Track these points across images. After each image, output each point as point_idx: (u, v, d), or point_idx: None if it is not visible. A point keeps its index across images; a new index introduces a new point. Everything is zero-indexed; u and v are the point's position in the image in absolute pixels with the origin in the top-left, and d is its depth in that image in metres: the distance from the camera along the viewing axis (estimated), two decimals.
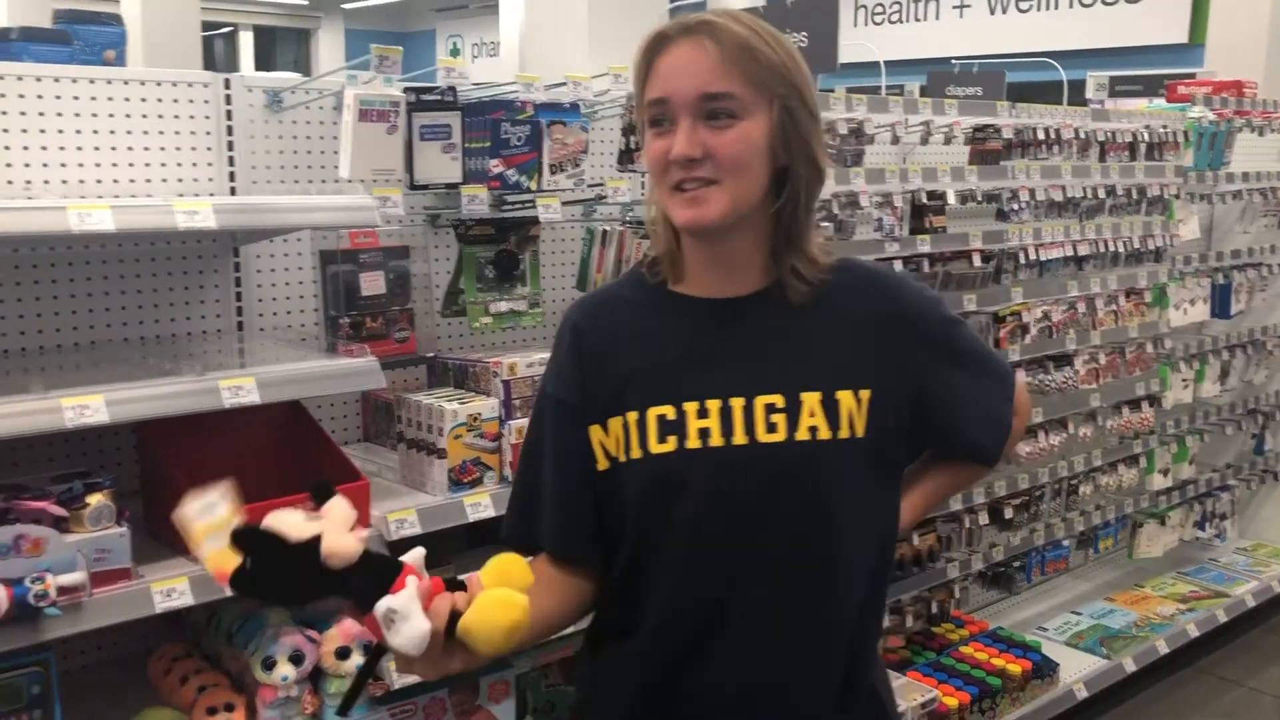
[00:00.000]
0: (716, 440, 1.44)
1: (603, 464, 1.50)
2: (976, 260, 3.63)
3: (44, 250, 2.35)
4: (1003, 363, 1.68)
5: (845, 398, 1.46)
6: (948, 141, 3.90)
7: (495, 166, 2.59)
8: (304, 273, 2.68)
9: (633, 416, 1.47)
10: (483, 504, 2.42)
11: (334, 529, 1.27)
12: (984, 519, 3.88)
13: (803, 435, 1.44)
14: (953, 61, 6.59)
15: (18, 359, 2.30)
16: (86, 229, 1.86)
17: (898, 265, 3.37)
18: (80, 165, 2.38)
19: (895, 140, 3.65)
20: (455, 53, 17.91)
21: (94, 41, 2.92)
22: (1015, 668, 3.64)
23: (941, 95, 5.81)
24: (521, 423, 2.44)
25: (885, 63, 6.48)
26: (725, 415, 1.45)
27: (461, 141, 2.58)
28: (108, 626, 2.01)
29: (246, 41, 18.91)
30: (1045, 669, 3.73)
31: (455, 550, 2.59)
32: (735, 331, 1.49)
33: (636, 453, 1.47)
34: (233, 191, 2.55)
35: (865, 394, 1.47)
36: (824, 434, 1.44)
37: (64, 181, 2.36)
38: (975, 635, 3.93)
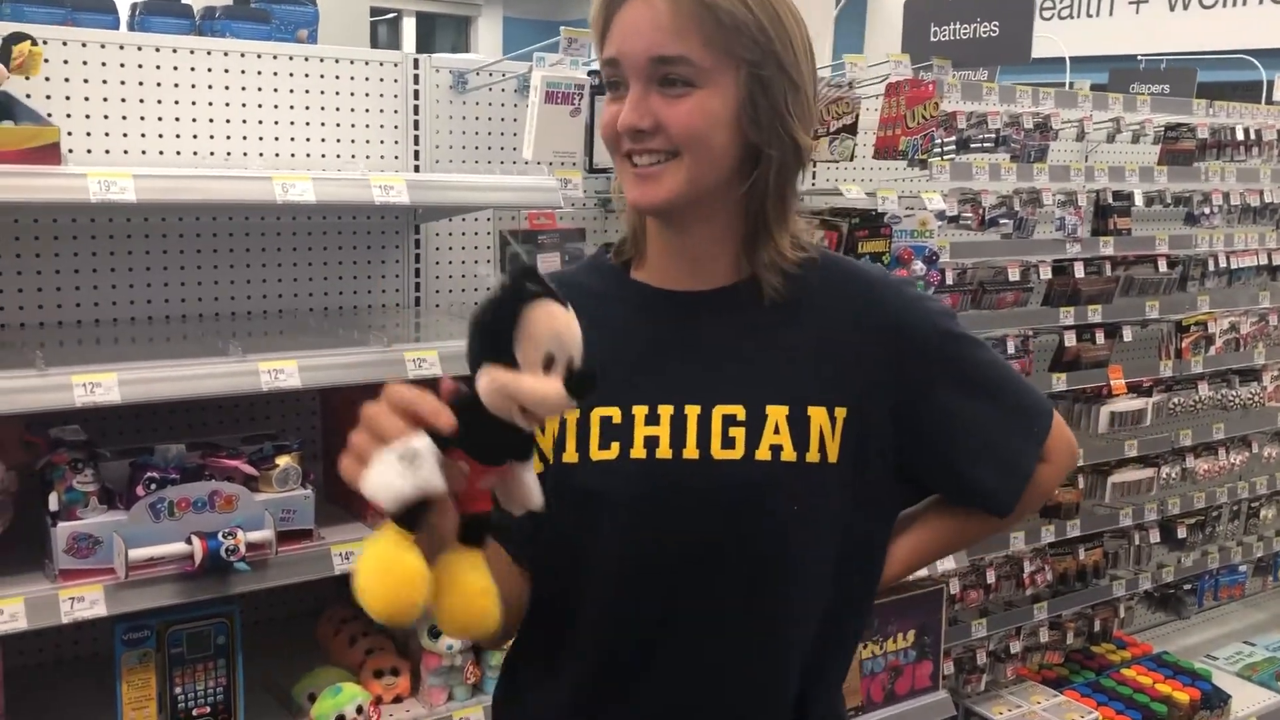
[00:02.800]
0: (664, 451, 1.26)
1: (537, 465, 1.32)
2: (1162, 265, 3.47)
3: (240, 219, 2.45)
4: (1035, 397, 1.41)
5: (818, 415, 1.26)
6: (1135, 140, 3.73)
7: None
8: (479, 251, 2.72)
9: (573, 416, 1.30)
10: None
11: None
12: (1155, 537, 3.70)
13: (763, 455, 1.25)
14: (1138, 58, 6.29)
15: (211, 323, 2.40)
16: (289, 200, 1.92)
17: (1078, 268, 3.24)
18: (276, 139, 2.46)
19: (1080, 136, 3.50)
20: None
21: (289, 20, 3.02)
22: (1182, 696, 3.46)
23: (1127, 92, 5.55)
24: None
25: (1059, 59, 6.23)
26: (678, 424, 1.26)
27: None
28: (282, 585, 2.08)
29: (409, 27, 19.42)
30: (1215, 700, 3.53)
31: None
32: (698, 330, 1.31)
33: (573, 456, 1.30)
34: (417, 169, 2.61)
35: (841, 413, 1.27)
36: (788, 454, 1.25)
37: (260, 155, 2.45)
38: (1138, 658, 3.75)
